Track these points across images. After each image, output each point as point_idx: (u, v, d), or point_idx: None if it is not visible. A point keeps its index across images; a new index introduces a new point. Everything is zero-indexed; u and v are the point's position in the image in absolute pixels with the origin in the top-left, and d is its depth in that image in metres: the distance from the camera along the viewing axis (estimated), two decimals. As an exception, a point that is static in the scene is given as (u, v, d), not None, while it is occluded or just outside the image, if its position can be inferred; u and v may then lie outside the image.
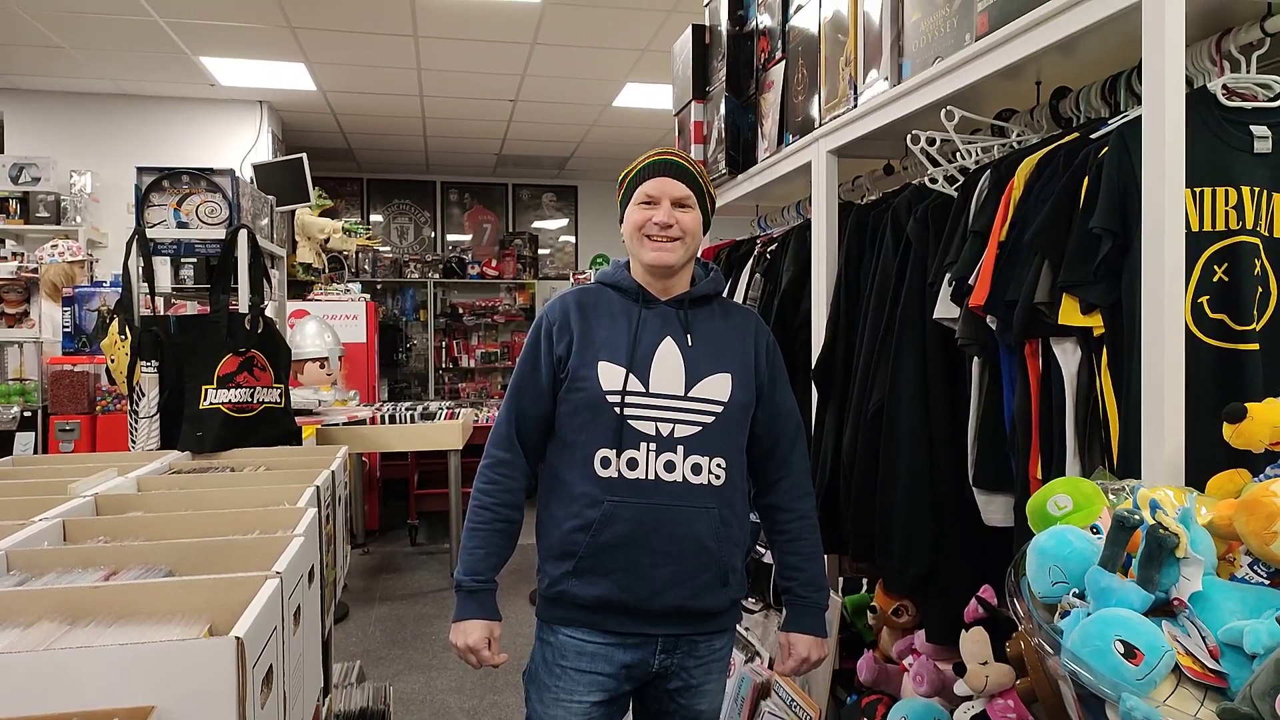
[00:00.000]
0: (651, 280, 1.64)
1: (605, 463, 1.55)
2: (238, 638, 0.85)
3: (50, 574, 1.19)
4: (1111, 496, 1.03)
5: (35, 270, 4.33)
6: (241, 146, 6.43)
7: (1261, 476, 1.02)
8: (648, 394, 1.56)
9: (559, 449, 1.62)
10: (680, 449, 1.55)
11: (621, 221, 1.67)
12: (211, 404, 2.32)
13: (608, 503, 1.54)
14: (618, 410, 1.55)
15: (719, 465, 1.57)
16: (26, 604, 1.01)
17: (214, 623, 1.01)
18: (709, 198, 1.67)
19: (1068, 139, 1.44)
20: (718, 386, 1.59)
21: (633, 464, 1.54)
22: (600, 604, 1.56)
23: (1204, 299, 1.22)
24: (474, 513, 1.64)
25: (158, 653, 0.84)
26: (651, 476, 1.54)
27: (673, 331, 1.61)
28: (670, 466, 1.55)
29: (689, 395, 1.57)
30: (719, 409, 1.58)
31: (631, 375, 1.56)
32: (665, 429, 1.55)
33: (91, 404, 4.00)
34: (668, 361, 1.58)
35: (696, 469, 1.55)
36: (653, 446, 1.55)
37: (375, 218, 9.10)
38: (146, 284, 2.48)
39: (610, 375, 1.56)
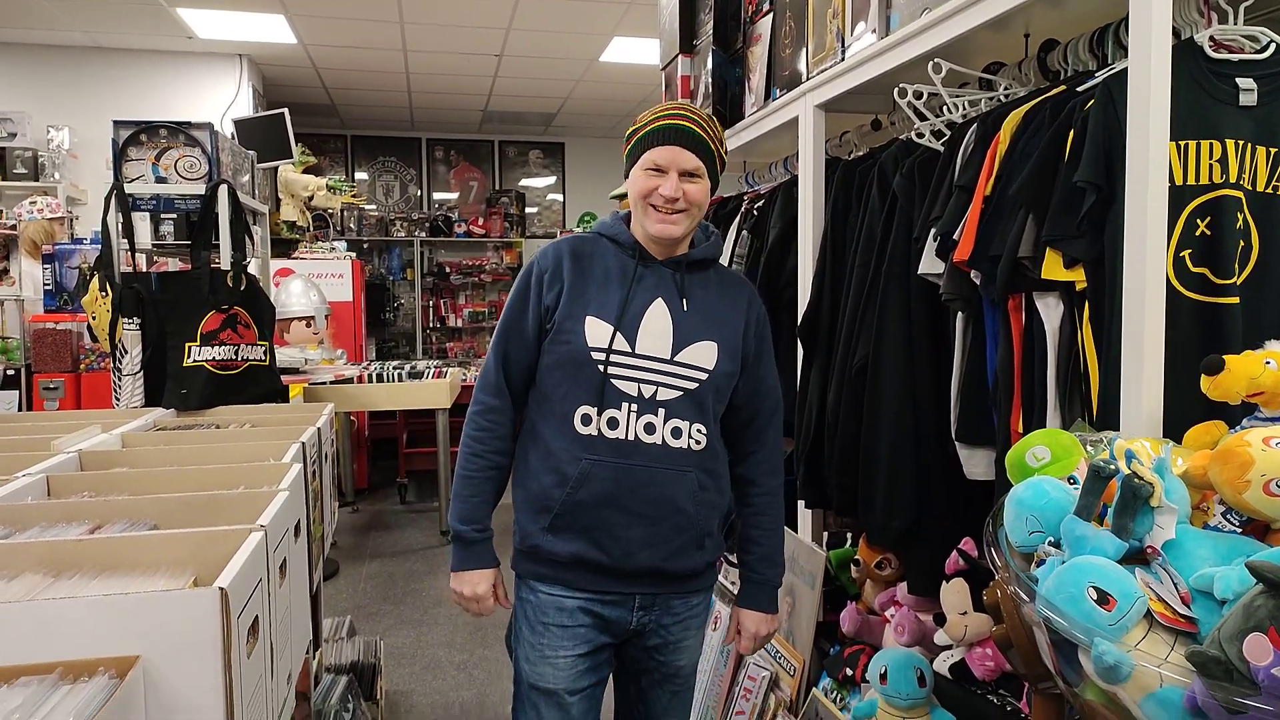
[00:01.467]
0: (651, 243, 1.60)
1: (586, 420, 1.52)
2: (221, 588, 0.86)
3: (34, 528, 1.19)
4: (1089, 448, 1.04)
5: (14, 228, 4.27)
6: (221, 101, 6.32)
7: (1238, 428, 1.03)
8: (633, 354, 1.53)
9: (539, 401, 1.59)
10: (661, 412, 1.53)
11: (626, 177, 1.62)
12: (195, 361, 2.31)
13: (585, 460, 1.51)
14: (601, 368, 1.52)
15: (699, 430, 1.55)
16: (10, 557, 1.01)
17: (199, 575, 1.02)
18: (720, 161, 1.60)
19: (1054, 92, 1.44)
20: (704, 354, 1.56)
21: (613, 423, 1.52)
22: (575, 560, 1.55)
23: (1186, 253, 1.23)
24: (466, 460, 1.61)
25: (142, 603, 0.85)
26: (631, 437, 1.52)
27: (666, 293, 1.57)
28: (650, 428, 1.52)
29: (674, 360, 1.54)
30: (704, 376, 1.55)
31: (619, 334, 1.52)
32: (648, 391, 1.52)
33: (75, 362, 3.97)
34: (657, 323, 1.55)
35: (677, 432, 1.53)
36: (634, 407, 1.52)
37: (360, 175, 8.99)
38: (126, 240, 2.45)
39: (597, 331, 1.53)
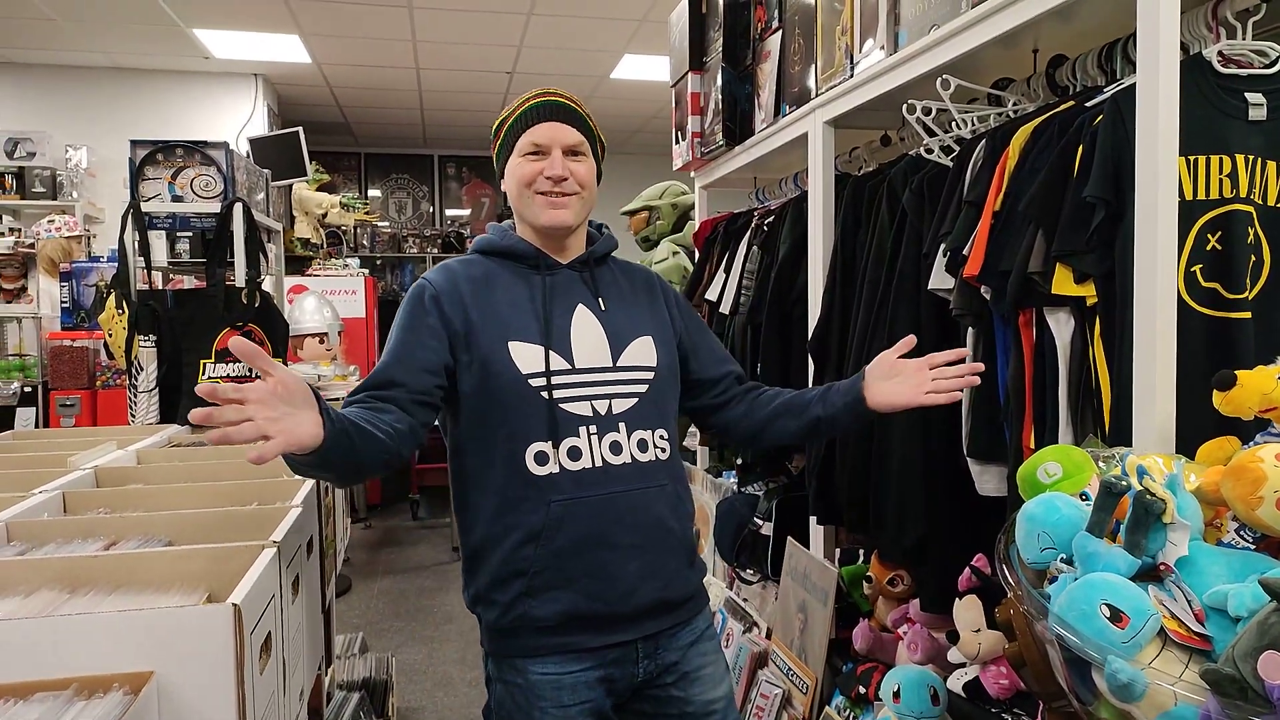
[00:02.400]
0: (547, 242, 1.44)
1: (541, 458, 1.33)
2: (234, 605, 0.86)
3: (50, 544, 1.20)
4: (1101, 464, 1.04)
5: (32, 246, 4.32)
6: (237, 120, 6.39)
7: (1251, 443, 1.02)
8: (574, 370, 1.36)
9: (475, 453, 1.37)
10: (622, 426, 1.37)
11: (501, 177, 1.46)
12: (210, 378, 2.33)
13: (554, 503, 1.32)
14: (545, 394, 1.34)
15: (662, 436, 1.42)
16: (27, 573, 1.02)
17: (212, 591, 1.03)
18: (600, 144, 1.49)
19: (1063, 107, 1.44)
20: (643, 351, 1.43)
21: (575, 453, 1.34)
22: (567, 620, 1.34)
23: (1197, 267, 1.22)
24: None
25: (156, 619, 0.85)
26: (599, 463, 1.35)
27: (582, 297, 1.42)
28: (616, 448, 1.36)
29: (618, 365, 1.40)
30: (650, 375, 1.42)
31: (552, 352, 1.36)
32: (601, 406, 1.36)
33: (91, 379, 4.01)
34: (587, 331, 1.40)
35: (643, 445, 1.38)
36: (593, 429, 1.35)
37: (373, 192, 9.06)
38: (143, 258, 2.48)
39: (527, 356, 1.35)
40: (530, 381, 1.34)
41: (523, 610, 1.34)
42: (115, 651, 0.84)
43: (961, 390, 1.44)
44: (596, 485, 1.34)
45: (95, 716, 0.78)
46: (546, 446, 1.33)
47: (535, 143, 1.39)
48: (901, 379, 1.42)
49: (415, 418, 1.30)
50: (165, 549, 1.14)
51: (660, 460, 1.41)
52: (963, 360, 1.43)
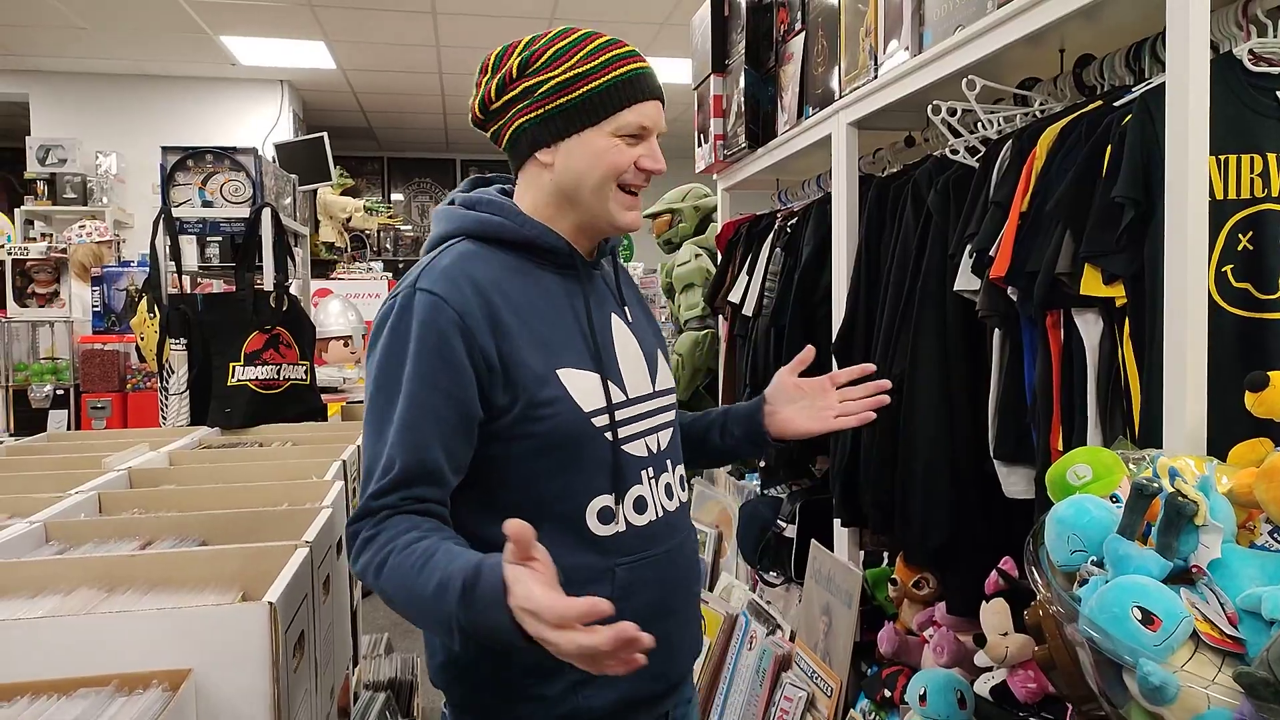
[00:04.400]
0: (580, 238, 1.15)
1: (606, 515, 1.07)
2: (270, 603, 0.88)
3: (87, 544, 1.23)
4: (1131, 466, 1.03)
5: (64, 251, 4.40)
6: (263, 126, 6.47)
7: (1284, 445, 1.01)
8: (630, 401, 1.11)
9: (514, 511, 0.88)
10: (668, 463, 1.15)
11: (537, 149, 1.09)
12: (239, 381, 2.36)
13: (620, 569, 1.07)
14: (610, 437, 1.07)
15: (680, 470, 1.21)
16: (66, 572, 1.04)
17: (246, 590, 1.05)
18: None
19: (1090, 107, 1.43)
20: (665, 368, 1.21)
21: (640, 505, 1.10)
22: (625, 706, 1.10)
23: (1228, 268, 1.21)
24: (397, 559, 0.94)
25: (194, 618, 0.87)
26: (660, 514, 1.12)
27: (613, 306, 1.18)
28: (670, 491, 1.15)
29: (657, 390, 1.17)
30: (674, 398, 1.21)
31: (609, 382, 1.09)
32: (653, 443, 1.13)
33: (122, 382, 4.07)
34: (627, 349, 1.15)
35: (683, 483, 1.19)
36: (651, 473, 1.12)
37: (396, 196, 9.14)
38: (173, 262, 2.51)
39: (584, 387, 1.06)
40: (594, 420, 1.05)
41: (573, 705, 1.05)
42: (154, 649, 0.86)
43: (874, 411, 1.27)
44: (658, 542, 1.11)
45: (136, 712, 0.79)
46: (610, 501, 1.07)
47: (642, 125, 1.10)
48: (805, 403, 1.27)
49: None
50: (200, 549, 1.16)
51: (683, 501, 1.20)
52: (869, 376, 1.28)
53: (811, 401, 1.27)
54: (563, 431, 1.04)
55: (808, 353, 1.27)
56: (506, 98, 1.08)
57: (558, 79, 1.05)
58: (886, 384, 1.28)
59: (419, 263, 1.09)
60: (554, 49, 1.06)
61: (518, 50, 1.07)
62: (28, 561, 1.07)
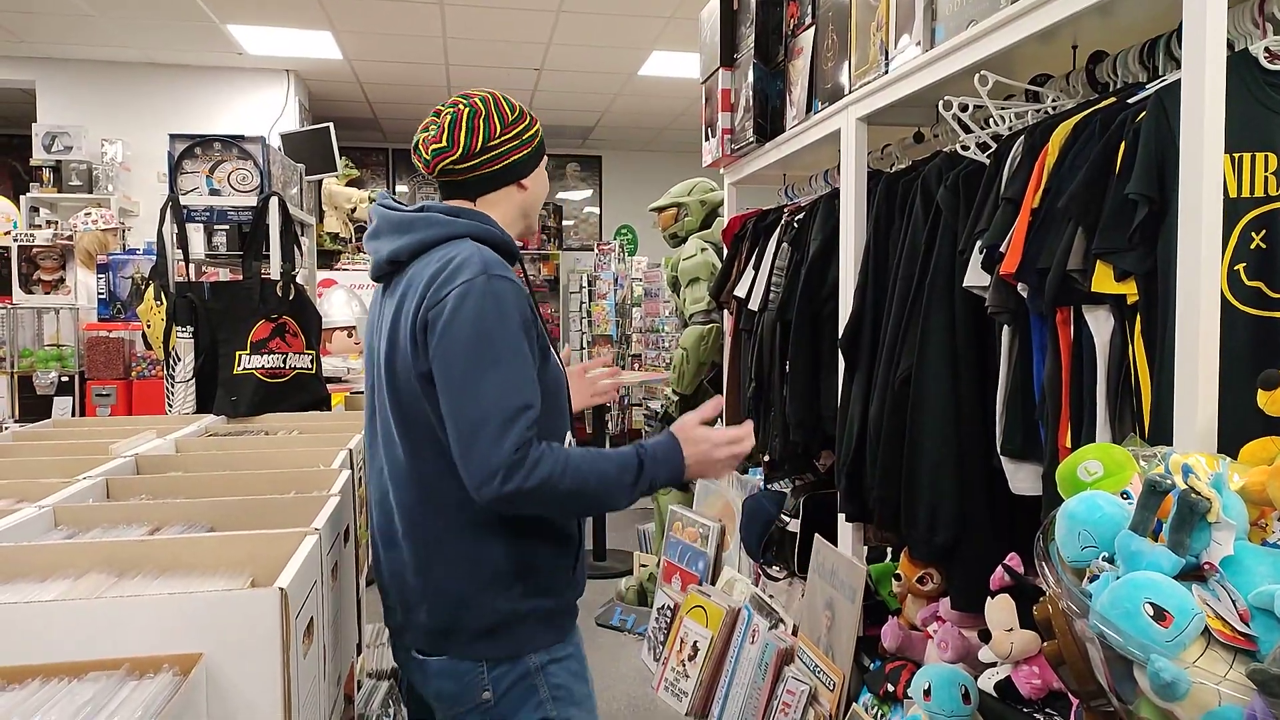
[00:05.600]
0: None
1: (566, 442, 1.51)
2: (282, 589, 0.88)
3: (95, 529, 1.23)
4: (1143, 463, 1.03)
5: (70, 238, 4.40)
6: (269, 116, 6.46)
7: (1296, 444, 1.01)
8: None
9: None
10: None
11: (516, 174, 1.49)
12: (245, 369, 2.36)
13: None
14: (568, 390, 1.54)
15: None
16: (76, 556, 1.04)
17: (255, 576, 1.05)
18: None
19: (1104, 104, 1.42)
20: None
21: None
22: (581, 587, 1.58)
23: (1240, 266, 1.21)
24: (573, 457, 1.33)
25: (205, 602, 0.87)
26: None
27: None
28: None
29: None
30: None
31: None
32: None
33: (127, 370, 4.07)
34: None
35: None
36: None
37: (401, 188, 9.12)
38: (180, 250, 2.51)
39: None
40: (564, 372, 1.52)
41: (569, 590, 1.48)
42: (165, 633, 0.86)
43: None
44: None
45: (147, 696, 0.79)
46: (570, 435, 1.51)
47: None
48: (577, 386, 1.77)
49: None
50: (210, 534, 1.16)
51: None
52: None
53: (578, 386, 1.79)
54: (556, 379, 1.44)
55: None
56: (503, 138, 1.46)
57: (533, 128, 1.51)
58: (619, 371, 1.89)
59: (451, 255, 1.36)
60: (519, 108, 1.51)
61: (494, 108, 1.47)
62: (38, 545, 1.07)
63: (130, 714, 0.76)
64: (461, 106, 1.43)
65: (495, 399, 1.27)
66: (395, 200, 1.50)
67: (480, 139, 1.43)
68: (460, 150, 1.42)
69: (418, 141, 1.46)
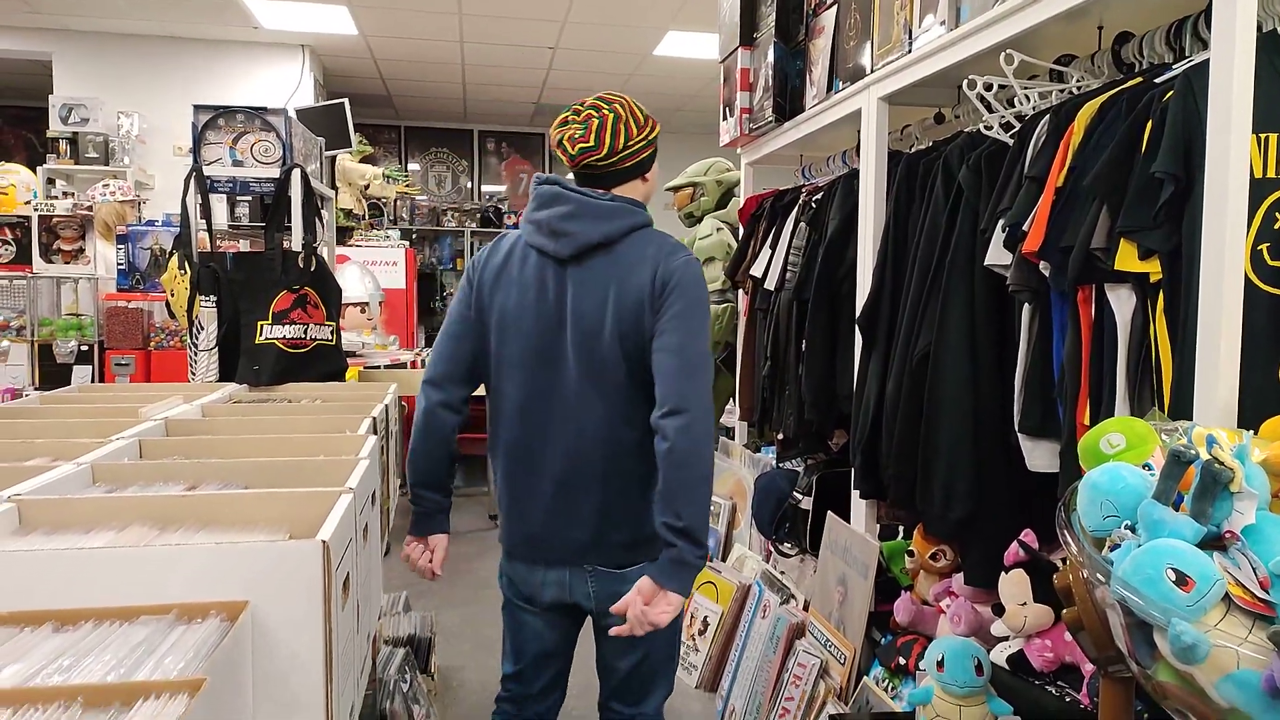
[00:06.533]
0: None
1: None
2: (324, 541, 0.90)
3: (133, 486, 1.25)
4: (1165, 436, 1.05)
5: (89, 209, 4.43)
6: (284, 91, 6.46)
7: (1316, 420, 1.03)
8: None
9: None
10: None
11: (645, 171, 1.75)
12: (267, 339, 2.39)
13: None
14: None
15: None
16: (119, 509, 1.07)
17: (293, 532, 1.07)
18: None
19: (1131, 84, 1.43)
20: None
21: None
22: None
23: (1263, 246, 1.22)
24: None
25: (250, 552, 0.90)
26: None
27: None
28: None
29: None
30: None
31: None
32: None
33: (146, 339, 4.11)
34: None
35: None
36: None
37: (413, 166, 9.12)
38: (204, 221, 2.53)
39: None
40: None
41: None
42: (212, 581, 0.88)
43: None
44: None
45: (196, 639, 0.82)
46: None
47: None
48: None
49: None
50: (249, 491, 1.18)
51: None
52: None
53: None
54: None
55: None
56: (637, 140, 1.70)
57: (656, 130, 1.75)
58: None
59: (658, 238, 1.68)
60: (646, 113, 1.73)
61: (630, 113, 1.69)
62: (82, 498, 1.10)
63: (183, 655, 0.79)
64: (605, 111, 1.67)
65: (710, 369, 1.64)
66: (569, 183, 1.69)
67: (621, 140, 1.68)
68: (605, 150, 1.66)
69: (561, 138, 1.67)
